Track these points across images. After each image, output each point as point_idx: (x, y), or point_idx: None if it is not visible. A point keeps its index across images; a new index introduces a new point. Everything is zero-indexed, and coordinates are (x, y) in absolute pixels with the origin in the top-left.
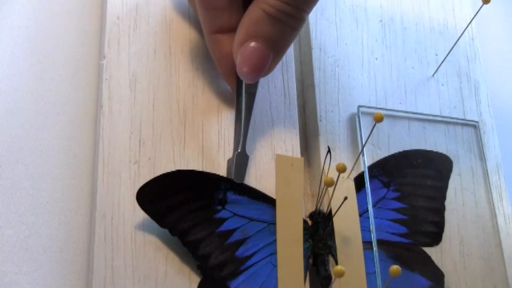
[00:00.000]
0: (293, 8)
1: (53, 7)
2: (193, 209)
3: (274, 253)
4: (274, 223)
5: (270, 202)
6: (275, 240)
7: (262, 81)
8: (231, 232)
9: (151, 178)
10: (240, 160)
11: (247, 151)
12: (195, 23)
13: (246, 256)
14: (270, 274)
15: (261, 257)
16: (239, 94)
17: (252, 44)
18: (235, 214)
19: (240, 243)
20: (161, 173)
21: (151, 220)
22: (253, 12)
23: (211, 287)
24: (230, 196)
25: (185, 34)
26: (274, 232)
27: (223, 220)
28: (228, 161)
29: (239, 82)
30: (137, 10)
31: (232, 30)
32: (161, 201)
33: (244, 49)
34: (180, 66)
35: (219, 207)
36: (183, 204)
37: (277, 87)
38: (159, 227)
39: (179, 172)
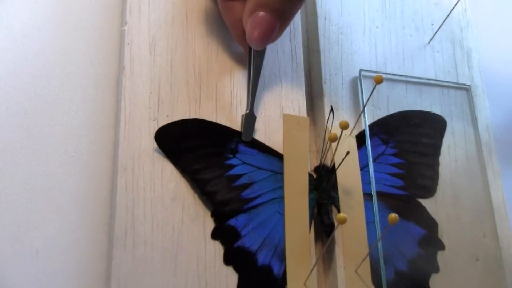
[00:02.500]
0: None
1: None
2: (206, 154)
3: (277, 198)
4: (280, 173)
5: (277, 155)
6: (280, 187)
7: (272, 47)
8: (238, 176)
9: (170, 123)
10: (248, 120)
11: (258, 110)
12: None
13: (250, 197)
14: (277, 223)
15: (264, 199)
16: (250, 58)
17: (261, 13)
18: (244, 163)
19: (247, 186)
20: None
21: (169, 172)
22: None
23: (224, 234)
24: (241, 147)
25: (200, 2)
26: (279, 180)
27: (232, 166)
28: (242, 116)
29: (249, 46)
30: None
31: None
32: (178, 143)
33: (253, 18)
34: (196, 32)
35: (230, 155)
36: (197, 149)
37: (285, 52)
38: (176, 179)
39: (197, 120)
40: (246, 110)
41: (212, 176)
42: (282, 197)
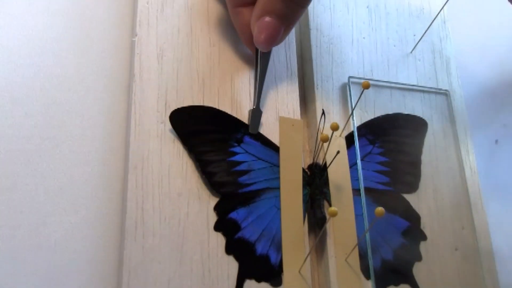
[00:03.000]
0: None
1: None
2: (213, 139)
3: (270, 187)
4: (277, 165)
5: (277, 150)
6: (275, 178)
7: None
8: (239, 163)
9: (185, 106)
10: (255, 115)
11: (261, 107)
12: (212, 7)
13: (246, 183)
14: (274, 216)
15: (259, 187)
16: (257, 58)
17: (267, 18)
18: (246, 152)
19: (245, 172)
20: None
21: (175, 170)
22: None
23: (225, 226)
24: (247, 138)
25: (204, 16)
26: (275, 172)
27: (235, 154)
28: (249, 111)
29: (257, 49)
30: None
31: (251, 4)
32: (190, 125)
33: (260, 22)
34: (200, 43)
35: (235, 144)
36: (206, 133)
37: (281, 61)
38: (182, 177)
39: (211, 108)
40: (253, 106)
41: (215, 159)
42: (276, 188)
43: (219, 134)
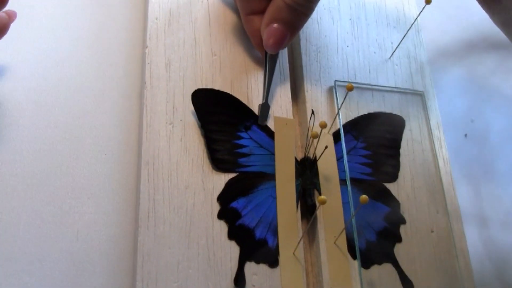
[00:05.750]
0: (305, 0)
1: (110, 14)
2: (225, 121)
3: (265, 173)
4: (274, 154)
5: None
6: (270, 165)
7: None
8: (242, 146)
9: (209, 88)
10: (263, 108)
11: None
12: (214, 21)
13: (244, 164)
14: (271, 205)
15: (254, 170)
16: (266, 60)
17: (275, 25)
18: (251, 138)
19: (245, 155)
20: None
21: (182, 165)
22: (276, 2)
23: (227, 214)
24: (254, 127)
25: (206, 29)
26: (271, 160)
27: (241, 138)
28: (259, 105)
29: (265, 51)
30: (171, 12)
31: (261, 12)
32: (207, 105)
33: (269, 29)
34: (203, 53)
35: (243, 130)
36: (220, 114)
37: (275, 68)
38: (188, 171)
39: (229, 95)
40: (262, 101)
41: (221, 139)
42: (269, 173)
43: (231, 117)
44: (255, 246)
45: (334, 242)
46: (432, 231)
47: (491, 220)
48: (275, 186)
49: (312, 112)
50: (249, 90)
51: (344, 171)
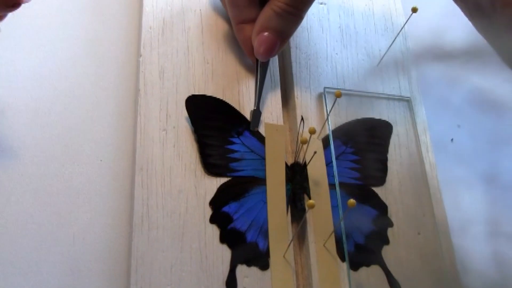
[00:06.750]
0: (294, 8)
1: (105, 24)
2: (217, 127)
3: (256, 177)
4: (265, 159)
5: None
6: (261, 169)
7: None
8: (234, 151)
9: (202, 94)
10: (255, 114)
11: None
12: (206, 30)
13: (236, 169)
14: (261, 209)
15: (246, 174)
16: (257, 67)
17: (265, 33)
18: (243, 143)
19: (237, 160)
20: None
21: (175, 171)
22: (266, 11)
23: (219, 218)
24: (246, 133)
25: (198, 38)
26: (262, 164)
27: (233, 143)
28: (251, 111)
29: (256, 60)
30: (164, 21)
31: (252, 21)
32: (201, 111)
33: (260, 37)
34: (195, 61)
35: (235, 135)
36: (213, 120)
37: (266, 75)
38: (181, 176)
39: (221, 101)
40: (254, 107)
41: (214, 144)
42: (260, 178)
43: (224, 123)
44: (247, 249)
45: (324, 245)
46: (418, 234)
47: (476, 223)
48: (265, 191)
49: (302, 119)
50: (241, 97)
51: (333, 175)
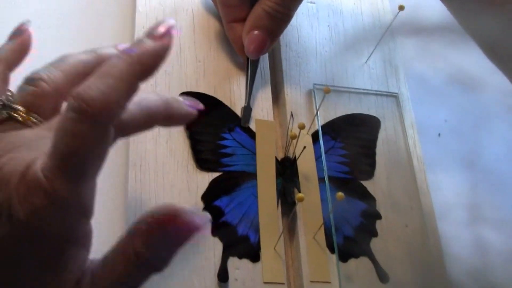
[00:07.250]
0: (284, 7)
1: (98, 23)
2: (209, 123)
3: (247, 171)
4: (255, 154)
5: None
6: (252, 164)
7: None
8: (225, 147)
9: (198, 91)
10: (246, 111)
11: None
12: (198, 29)
13: (227, 164)
14: (252, 202)
15: (237, 169)
16: (247, 65)
17: (256, 32)
18: (234, 139)
19: (228, 155)
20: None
21: (167, 167)
22: (256, 10)
23: (211, 212)
24: (237, 129)
25: (190, 36)
26: (253, 159)
27: (224, 139)
28: (242, 108)
29: (247, 58)
30: (157, 21)
31: (243, 20)
32: None
33: (250, 35)
34: (188, 59)
35: (227, 131)
36: (205, 116)
37: (256, 72)
38: (173, 172)
39: (213, 98)
40: (245, 103)
41: (206, 139)
42: (251, 172)
43: (216, 119)
44: (238, 242)
45: (313, 237)
46: (406, 226)
47: (463, 215)
48: (256, 185)
49: (291, 115)
50: (232, 94)
51: (322, 170)
